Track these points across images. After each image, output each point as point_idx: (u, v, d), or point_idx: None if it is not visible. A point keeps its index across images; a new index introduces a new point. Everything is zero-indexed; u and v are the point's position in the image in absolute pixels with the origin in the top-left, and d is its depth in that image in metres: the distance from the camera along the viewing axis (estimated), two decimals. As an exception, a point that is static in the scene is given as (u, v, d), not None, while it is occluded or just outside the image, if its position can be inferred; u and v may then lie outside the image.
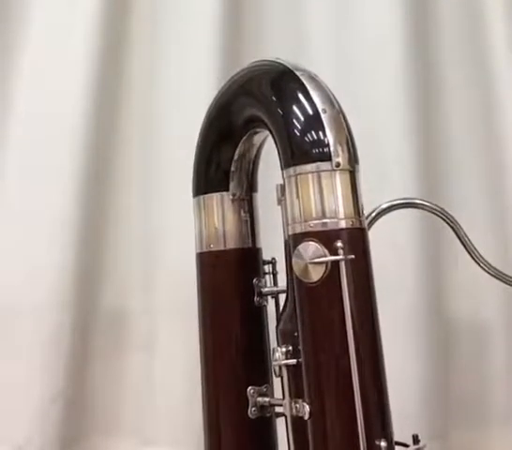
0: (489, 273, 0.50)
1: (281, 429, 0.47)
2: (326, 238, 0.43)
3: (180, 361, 0.77)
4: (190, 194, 0.77)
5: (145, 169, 0.83)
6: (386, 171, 0.77)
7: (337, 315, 0.43)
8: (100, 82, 0.82)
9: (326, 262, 0.43)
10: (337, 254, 0.43)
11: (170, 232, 0.80)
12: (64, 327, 0.78)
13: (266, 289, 0.50)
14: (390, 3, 0.82)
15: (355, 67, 0.81)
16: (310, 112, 0.44)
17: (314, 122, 0.44)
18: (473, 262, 0.62)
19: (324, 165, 0.43)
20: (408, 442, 0.46)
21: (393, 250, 0.74)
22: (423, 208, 0.51)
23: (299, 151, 0.44)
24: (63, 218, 0.79)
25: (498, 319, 0.80)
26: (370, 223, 0.48)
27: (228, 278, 0.49)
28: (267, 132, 0.47)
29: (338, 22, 0.84)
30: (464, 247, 0.49)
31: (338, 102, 0.45)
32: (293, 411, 0.44)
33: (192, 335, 0.75)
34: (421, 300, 0.77)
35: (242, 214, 0.50)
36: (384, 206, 0.50)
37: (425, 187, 0.79)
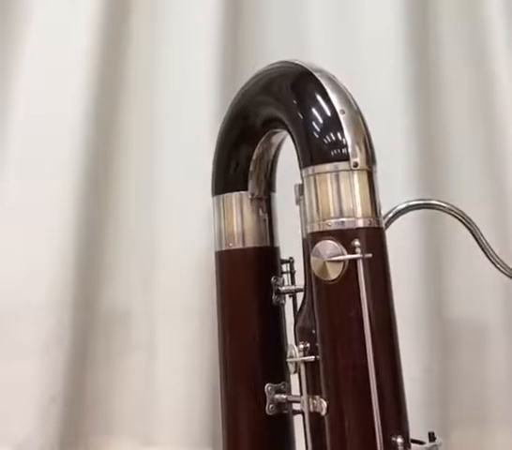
0: (506, 274, 0.50)
1: (299, 426, 0.47)
2: (344, 237, 0.44)
3: (180, 361, 0.77)
4: (191, 194, 0.78)
5: (145, 169, 0.83)
6: (386, 170, 0.77)
7: (354, 313, 0.43)
8: (100, 81, 0.82)
9: (344, 261, 0.44)
10: (354, 253, 0.43)
11: (170, 231, 0.80)
12: (64, 327, 0.78)
13: (284, 287, 0.50)
14: (390, 3, 0.82)
15: (356, 68, 0.81)
16: (329, 113, 0.45)
17: (333, 123, 0.45)
18: (472, 262, 0.63)
19: (343, 165, 0.44)
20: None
21: (393, 251, 0.75)
22: (440, 209, 0.51)
23: (318, 151, 0.45)
24: (63, 219, 0.79)
25: (498, 319, 0.80)
26: (388, 223, 0.49)
27: (246, 277, 0.50)
28: (286, 132, 0.48)
29: (339, 23, 0.84)
30: (481, 248, 0.50)
31: (356, 103, 0.45)
32: (311, 407, 0.45)
33: (192, 335, 0.77)
34: (421, 301, 0.78)
35: (260, 213, 0.51)
36: (402, 207, 0.50)
37: (425, 187, 0.79)
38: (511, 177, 0.80)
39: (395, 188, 0.76)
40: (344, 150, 0.44)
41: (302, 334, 0.47)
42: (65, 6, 0.83)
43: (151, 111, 0.84)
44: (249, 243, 0.50)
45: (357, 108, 0.45)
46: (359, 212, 0.44)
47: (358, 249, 0.43)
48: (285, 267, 0.51)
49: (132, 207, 0.83)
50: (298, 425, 0.47)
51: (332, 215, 0.44)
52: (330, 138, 0.44)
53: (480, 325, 0.81)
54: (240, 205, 0.51)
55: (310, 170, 0.45)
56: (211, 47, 0.82)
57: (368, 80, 0.81)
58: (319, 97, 0.45)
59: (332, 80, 0.46)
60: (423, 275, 0.79)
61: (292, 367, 0.46)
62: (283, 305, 0.51)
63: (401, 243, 0.77)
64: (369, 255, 0.44)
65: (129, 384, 0.80)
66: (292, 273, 0.51)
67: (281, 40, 0.85)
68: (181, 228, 0.79)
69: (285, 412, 0.49)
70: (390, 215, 0.49)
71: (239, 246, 0.50)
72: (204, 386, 0.75)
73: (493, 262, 0.50)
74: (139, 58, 0.85)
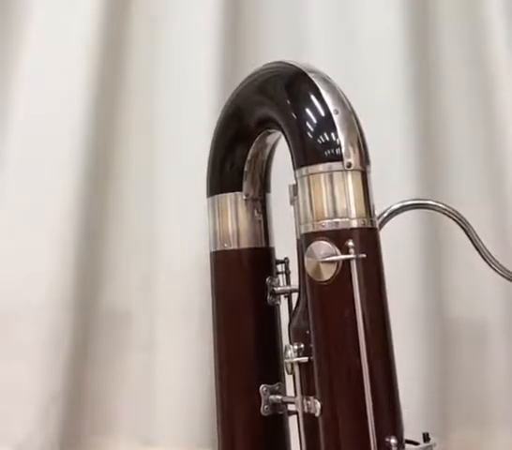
0: (502, 275, 0.50)
1: (294, 427, 0.47)
2: (338, 237, 0.44)
3: (180, 361, 0.77)
4: (191, 194, 0.78)
5: (146, 169, 0.83)
6: (386, 170, 0.77)
7: (348, 313, 0.43)
8: (100, 81, 0.82)
9: (338, 261, 0.43)
10: (348, 253, 0.43)
11: (170, 231, 0.80)
12: (64, 327, 0.77)
13: (279, 288, 0.50)
14: (390, 3, 0.82)
15: (356, 68, 0.82)
16: (322, 113, 0.45)
17: (326, 123, 0.45)
18: (472, 262, 0.62)
19: (336, 165, 0.44)
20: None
21: (392, 251, 0.74)
22: (435, 209, 0.51)
23: (311, 151, 0.45)
24: (63, 219, 0.79)
25: (498, 319, 0.80)
26: (382, 223, 0.48)
27: (241, 278, 0.50)
28: (280, 133, 0.48)
29: (339, 23, 0.84)
30: (476, 248, 0.50)
31: (349, 103, 0.45)
32: (305, 408, 0.45)
33: (192, 335, 0.77)
34: (421, 300, 0.78)
35: (255, 214, 0.51)
36: (396, 207, 0.50)
37: (425, 187, 0.79)
38: (511, 177, 0.79)
39: (395, 188, 0.76)
40: (338, 150, 0.44)
41: (296, 334, 0.46)
42: (65, 6, 0.83)
43: (151, 111, 0.84)
44: (244, 243, 0.50)
45: (351, 108, 0.45)
46: (353, 212, 0.44)
47: (352, 250, 0.43)
48: (280, 268, 0.51)
49: (132, 207, 0.83)
50: (294, 425, 0.47)
51: (326, 215, 0.44)
52: (324, 138, 0.44)
53: (480, 325, 0.81)
54: (235, 206, 0.51)
55: (304, 170, 0.45)
56: (211, 47, 0.82)
57: (368, 80, 0.81)
58: (313, 98, 0.45)
59: (326, 80, 0.46)
60: (423, 274, 0.79)
61: (289, 368, 0.46)
62: (278, 305, 0.51)
63: (401, 242, 0.77)
64: (363, 255, 0.44)
65: (129, 384, 0.80)
66: (287, 273, 0.51)
67: (281, 40, 0.85)
68: (181, 228, 0.79)
69: (280, 412, 0.49)
70: (384, 215, 0.49)
71: (234, 246, 0.50)
72: (204, 386, 0.74)
73: (488, 263, 0.50)
74: (139, 58, 0.85)
